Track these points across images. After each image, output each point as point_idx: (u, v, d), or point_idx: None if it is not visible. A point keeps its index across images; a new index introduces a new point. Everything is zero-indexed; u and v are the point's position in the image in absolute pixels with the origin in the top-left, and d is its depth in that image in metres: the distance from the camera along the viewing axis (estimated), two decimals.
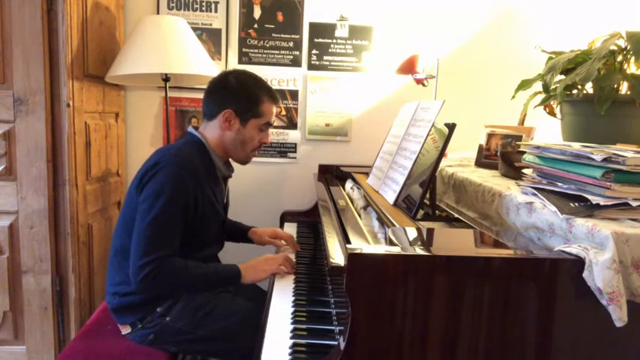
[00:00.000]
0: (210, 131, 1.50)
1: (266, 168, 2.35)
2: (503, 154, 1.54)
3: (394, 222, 1.18)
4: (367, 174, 1.79)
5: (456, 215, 1.38)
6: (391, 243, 1.02)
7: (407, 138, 1.48)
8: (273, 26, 2.26)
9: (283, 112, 2.32)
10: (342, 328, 0.97)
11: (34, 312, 1.78)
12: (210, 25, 2.25)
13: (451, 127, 1.26)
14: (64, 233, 1.77)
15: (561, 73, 1.41)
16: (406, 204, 1.30)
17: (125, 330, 1.40)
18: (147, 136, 2.31)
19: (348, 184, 1.86)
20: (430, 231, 1.15)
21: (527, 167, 1.25)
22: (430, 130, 1.32)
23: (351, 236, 1.12)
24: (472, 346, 0.91)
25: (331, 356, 0.93)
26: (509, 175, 1.47)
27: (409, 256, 0.90)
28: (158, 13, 2.22)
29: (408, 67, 2.07)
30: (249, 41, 2.27)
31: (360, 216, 1.38)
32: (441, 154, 1.24)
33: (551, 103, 1.54)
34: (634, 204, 0.94)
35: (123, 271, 1.36)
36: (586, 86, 1.39)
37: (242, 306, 1.44)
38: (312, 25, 2.27)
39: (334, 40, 2.28)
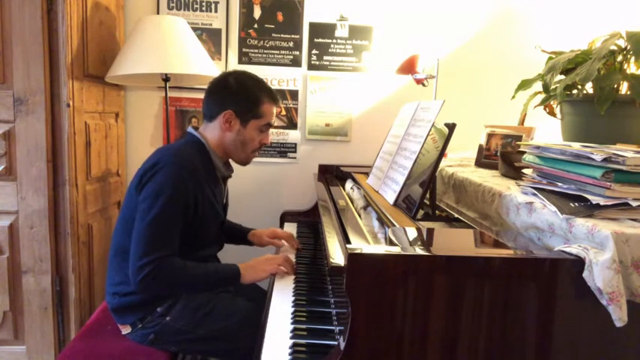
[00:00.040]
0: (211, 132, 1.50)
1: (266, 168, 2.35)
2: (503, 154, 1.54)
3: (394, 222, 1.18)
4: (367, 174, 1.79)
5: (456, 215, 1.38)
6: (391, 243, 1.02)
7: (407, 138, 1.48)
8: (273, 26, 2.26)
9: (283, 112, 2.32)
10: (342, 328, 0.97)
11: (34, 312, 1.78)
12: (210, 25, 2.25)
13: (451, 127, 1.26)
14: (64, 233, 1.77)
15: (561, 73, 1.41)
16: (406, 204, 1.30)
17: (125, 330, 1.40)
18: (147, 136, 2.31)
19: (348, 184, 1.86)
20: (430, 231, 1.15)
21: (527, 167, 1.25)
22: (430, 130, 1.32)
23: (351, 236, 1.12)
24: (472, 346, 0.91)
25: (331, 356, 0.93)
26: (509, 175, 1.47)
27: (409, 256, 0.90)
28: (158, 13, 2.22)
29: (408, 67, 2.07)
30: (249, 41, 2.27)
31: (360, 216, 1.38)
32: (441, 154, 1.24)
33: (551, 103, 1.54)
34: (634, 204, 0.94)
35: (123, 271, 1.36)
36: (586, 86, 1.39)
37: (242, 306, 1.44)
38: (312, 25, 2.27)
39: (334, 40, 2.28)
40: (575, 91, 1.41)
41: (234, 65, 2.27)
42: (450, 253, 0.92)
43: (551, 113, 1.57)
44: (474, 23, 2.29)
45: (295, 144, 2.35)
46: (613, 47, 1.32)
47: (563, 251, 0.93)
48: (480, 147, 1.81)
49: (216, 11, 2.24)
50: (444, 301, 0.90)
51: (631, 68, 1.38)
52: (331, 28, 2.28)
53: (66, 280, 1.79)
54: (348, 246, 0.93)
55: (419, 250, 0.93)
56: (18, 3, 1.64)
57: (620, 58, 1.37)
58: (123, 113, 2.25)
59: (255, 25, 2.26)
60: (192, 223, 1.38)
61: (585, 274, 0.88)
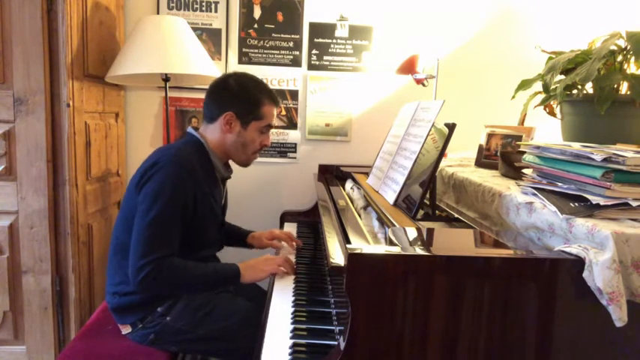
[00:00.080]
0: (211, 133, 1.50)
1: (266, 168, 2.35)
2: (503, 154, 1.54)
3: (394, 222, 1.18)
4: (367, 174, 1.79)
5: (456, 215, 1.38)
6: (391, 243, 1.02)
7: (407, 138, 1.48)
8: (273, 26, 2.26)
9: (283, 112, 2.32)
10: (342, 328, 0.97)
11: (34, 312, 1.78)
12: (210, 25, 2.25)
13: (451, 127, 1.26)
14: (64, 233, 1.77)
15: (561, 73, 1.41)
16: (406, 204, 1.30)
17: (125, 330, 1.40)
18: (147, 136, 2.31)
19: (348, 184, 1.86)
20: (430, 231, 1.15)
21: (527, 167, 1.25)
22: (430, 130, 1.32)
23: (351, 236, 1.12)
24: (472, 346, 0.91)
25: (331, 356, 0.93)
26: (509, 175, 1.47)
27: (409, 256, 0.90)
28: (158, 13, 2.22)
29: (408, 67, 2.07)
30: (249, 41, 2.27)
31: (360, 216, 1.38)
32: (441, 154, 1.24)
33: (551, 103, 1.54)
34: (634, 204, 0.94)
35: (122, 270, 1.36)
36: (586, 86, 1.39)
37: (242, 306, 1.44)
38: (312, 25, 2.27)
39: (334, 40, 2.28)
40: (575, 91, 1.41)
41: (234, 65, 2.27)
42: (450, 253, 0.92)
43: (551, 113, 1.57)
44: (474, 23, 2.29)
45: (295, 144, 2.35)
46: (613, 47, 1.32)
47: (563, 251, 0.93)
48: (480, 147, 1.81)
49: (216, 11, 2.24)
50: (444, 301, 0.90)
51: (631, 68, 1.38)
52: (331, 28, 2.28)
53: (66, 280, 1.79)
54: (348, 246, 0.93)
55: (419, 250, 0.93)
56: (18, 3, 1.64)
57: (620, 58, 1.37)
58: (123, 113, 2.25)
59: (255, 25, 2.26)
60: (192, 224, 1.38)
61: (585, 274, 0.88)
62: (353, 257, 0.89)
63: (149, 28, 1.88)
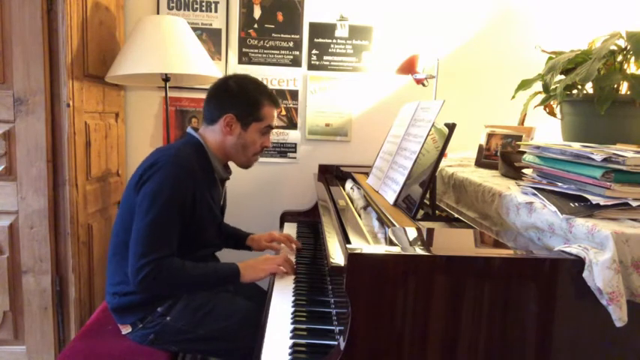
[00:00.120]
0: (211, 135, 1.50)
1: (266, 168, 2.35)
2: (503, 154, 1.54)
3: (394, 222, 1.18)
4: (367, 174, 1.79)
5: (456, 215, 1.38)
6: (391, 243, 1.02)
7: (407, 138, 1.48)
8: (273, 26, 2.26)
9: (283, 112, 2.32)
10: (342, 328, 0.97)
11: (34, 312, 1.78)
12: (210, 25, 2.25)
13: (451, 127, 1.26)
14: (64, 233, 1.77)
15: (561, 73, 1.41)
16: (406, 204, 1.30)
17: (125, 330, 1.40)
18: (147, 136, 2.31)
19: (348, 184, 1.86)
20: (430, 231, 1.15)
21: (527, 167, 1.25)
22: (430, 130, 1.32)
23: (351, 236, 1.12)
24: (472, 346, 0.91)
25: (331, 356, 0.93)
26: (509, 175, 1.47)
27: (409, 256, 0.90)
28: (158, 13, 2.22)
29: (408, 67, 2.08)
30: (249, 41, 2.27)
31: (360, 216, 1.38)
32: (441, 154, 1.24)
33: (551, 103, 1.54)
34: (634, 204, 0.94)
35: (122, 270, 1.36)
36: (586, 86, 1.39)
37: (242, 306, 1.44)
38: (312, 25, 2.27)
39: (334, 40, 2.28)
40: (575, 91, 1.41)
41: (234, 65, 2.27)
42: (450, 253, 0.92)
43: (551, 113, 1.57)
44: (474, 23, 2.29)
45: (295, 144, 2.35)
46: (613, 47, 1.32)
47: (563, 251, 0.93)
48: (480, 147, 1.81)
49: (216, 11, 2.24)
50: (444, 301, 0.90)
51: (631, 68, 1.38)
52: (331, 28, 2.28)
53: (66, 280, 1.79)
54: (348, 246, 0.93)
55: (419, 250, 0.93)
56: (18, 3, 1.64)
57: (620, 58, 1.37)
58: (123, 113, 2.25)
59: (255, 25, 2.26)
60: (190, 224, 1.38)
61: (585, 274, 0.88)
62: (353, 257, 0.89)
63: (149, 28, 1.88)
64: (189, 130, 1.52)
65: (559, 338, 0.92)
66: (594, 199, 0.95)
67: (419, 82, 2.09)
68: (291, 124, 2.34)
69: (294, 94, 2.32)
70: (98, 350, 1.37)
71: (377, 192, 1.52)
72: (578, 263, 0.89)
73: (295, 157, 2.36)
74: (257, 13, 2.25)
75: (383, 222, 1.24)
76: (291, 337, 1.11)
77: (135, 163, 1.41)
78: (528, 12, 2.28)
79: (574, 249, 0.91)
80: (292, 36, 2.27)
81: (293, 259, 1.63)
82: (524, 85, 1.58)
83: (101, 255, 1.99)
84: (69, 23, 1.70)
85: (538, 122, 1.80)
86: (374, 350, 0.90)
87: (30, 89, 1.67)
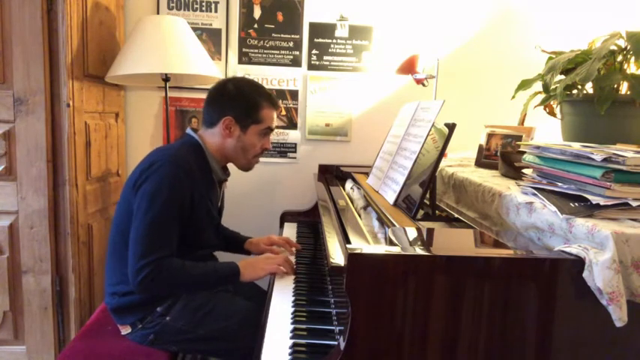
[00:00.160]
0: (211, 138, 1.50)
1: (266, 168, 2.35)
2: (503, 154, 1.54)
3: (394, 222, 1.18)
4: (367, 174, 1.79)
5: (456, 215, 1.38)
6: (391, 243, 1.02)
7: (407, 138, 1.48)
8: (273, 26, 2.26)
9: (283, 112, 2.32)
10: (342, 328, 0.97)
11: (34, 312, 1.78)
12: (210, 25, 2.25)
13: (451, 127, 1.26)
14: (64, 233, 1.77)
15: (561, 73, 1.41)
16: (406, 204, 1.30)
17: (125, 330, 1.40)
18: (147, 136, 2.31)
19: (348, 184, 1.86)
20: (430, 231, 1.15)
21: (527, 167, 1.25)
22: (430, 130, 1.32)
23: (351, 236, 1.12)
24: (472, 346, 0.91)
25: (331, 356, 0.93)
26: (509, 175, 1.47)
27: (409, 256, 0.90)
28: (158, 13, 2.22)
29: (408, 67, 2.07)
30: (249, 41, 2.27)
31: (360, 216, 1.38)
32: (441, 154, 1.24)
33: (551, 103, 1.54)
34: (634, 204, 0.94)
35: (120, 270, 1.36)
36: (586, 86, 1.39)
37: (242, 306, 1.44)
38: (312, 25, 2.27)
39: (334, 40, 2.28)
40: (575, 91, 1.41)
41: (234, 65, 2.27)
42: (450, 253, 0.92)
43: (551, 113, 1.57)
44: (474, 23, 2.29)
45: (295, 144, 2.35)
46: (613, 47, 1.32)
47: (563, 251, 0.93)
48: (480, 147, 1.81)
49: (216, 11, 2.24)
50: (444, 301, 0.90)
51: (631, 68, 1.38)
52: (331, 28, 2.28)
53: (66, 280, 1.79)
54: (348, 246, 0.93)
55: (419, 250, 0.93)
56: (18, 3, 1.64)
57: (620, 58, 1.37)
58: (123, 113, 2.25)
59: (255, 25, 2.26)
60: (189, 224, 1.38)
61: (585, 274, 0.88)
62: (353, 257, 0.89)
63: (149, 28, 1.88)
64: (188, 130, 1.52)
65: (559, 338, 0.92)
66: (594, 199, 0.95)
67: (419, 82, 2.09)
68: (291, 124, 2.34)
69: (294, 94, 2.32)
70: (98, 350, 1.37)
71: (377, 192, 1.52)
72: (578, 263, 0.89)
73: (295, 157, 2.36)
74: (257, 13, 2.25)
75: (383, 222, 1.24)
76: (291, 337, 1.11)
77: (135, 163, 1.41)
78: (528, 12, 2.28)
79: (574, 249, 0.91)
80: (292, 36, 2.27)
81: (293, 259, 1.63)
82: (524, 85, 1.58)
83: (101, 255, 1.99)
84: (69, 23, 1.70)
85: (538, 122, 1.80)
86: (374, 350, 0.90)
87: (30, 89, 1.67)
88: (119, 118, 2.20)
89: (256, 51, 2.28)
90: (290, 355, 1.04)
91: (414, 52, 2.08)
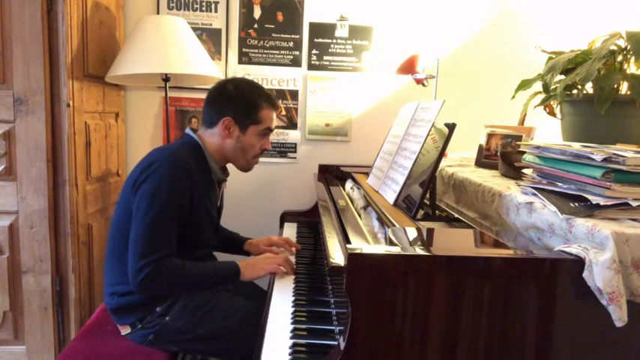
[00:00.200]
0: (210, 138, 1.50)
1: (266, 168, 2.35)
2: (503, 154, 1.54)
3: (394, 222, 1.18)
4: (367, 174, 1.79)
5: (456, 215, 1.38)
6: (391, 243, 1.02)
7: (407, 138, 1.48)
8: (273, 26, 2.26)
9: (283, 112, 2.32)
10: (342, 328, 0.97)
11: (34, 312, 1.78)
12: (210, 25, 2.25)
13: (451, 127, 1.26)
14: (64, 233, 1.77)
15: (561, 73, 1.41)
16: (406, 204, 1.30)
17: (125, 330, 1.40)
18: (147, 136, 2.31)
19: (348, 184, 1.86)
20: (430, 231, 1.15)
21: (527, 167, 1.25)
22: (430, 130, 1.32)
23: (351, 236, 1.12)
24: (472, 346, 0.91)
25: (331, 356, 0.93)
26: (509, 175, 1.47)
27: (409, 256, 0.90)
28: (158, 13, 2.22)
29: (408, 67, 2.07)
30: (249, 41, 2.27)
31: (360, 216, 1.38)
32: (441, 154, 1.24)
33: (551, 103, 1.54)
34: (634, 204, 0.94)
35: (120, 270, 1.36)
36: (586, 86, 1.39)
37: (242, 306, 1.44)
38: (312, 25, 2.27)
39: (334, 40, 2.28)
40: (575, 91, 1.41)
41: (234, 65, 2.27)
42: (450, 253, 0.92)
43: (551, 113, 1.57)
44: (474, 23, 2.29)
45: (295, 144, 2.35)
46: (613, 47, 1.32)
47: (563, 251, 0.93)
48: (480, 147, 1.81)
49: (216, 11, 2.24)
50: (444, 301, 0.90)
51: (631, 68, 1.38)
52: (331, 28, 2.28)
53: (66, 280, 1.79)
54: (348, 246, 0.93)
55: (419, 250, 0.93)
56: (18, 3, 1.64)
57: (620, 58, 1.37)
58: (123, 113, 2.25)
59: (255, 25, 2.26)
60: (188, 224, 1.38)
61: (585, 274, 0.88)
62: (353, 257, 0.89)
63: (149, 28, 1.88)
64: (187, 130, 1.52)
65: (559, 338, 0.92)
66: (594, 199, 0.95)
67: (419, 82, 2.09)
68: (291, 124, 2.34)
69: (294, 94, 2.32)
70: (98, 350, 1.37)
71: (377, 192, 1.52)
72: (578, 263, 0.89)
73: (295, 157, 2.36)
74: (257, 13, 2.25)
75: (383, 222, 1.24)
76: (291, 337, 1.11)
77: (135, 163, 1.41)
78: (528, 12, 2.28)
79: (574, 249, 0.91)
80: (292, 36, 2.27)
81: (293, 259, 1.63)
82: (524, 85, 1.58)
83: (101, 255, 1.99)
84: (69, 23, 1.70)
85: (538, 122, 1.80)
86: (374, 350, 0.90)
87: (30, 89, 1.67)
88: (119, 118, 2.20)
89: (256, 51, 2.28)
90: (290, 355, 1.04)
91: (414, 52, 2.08)
